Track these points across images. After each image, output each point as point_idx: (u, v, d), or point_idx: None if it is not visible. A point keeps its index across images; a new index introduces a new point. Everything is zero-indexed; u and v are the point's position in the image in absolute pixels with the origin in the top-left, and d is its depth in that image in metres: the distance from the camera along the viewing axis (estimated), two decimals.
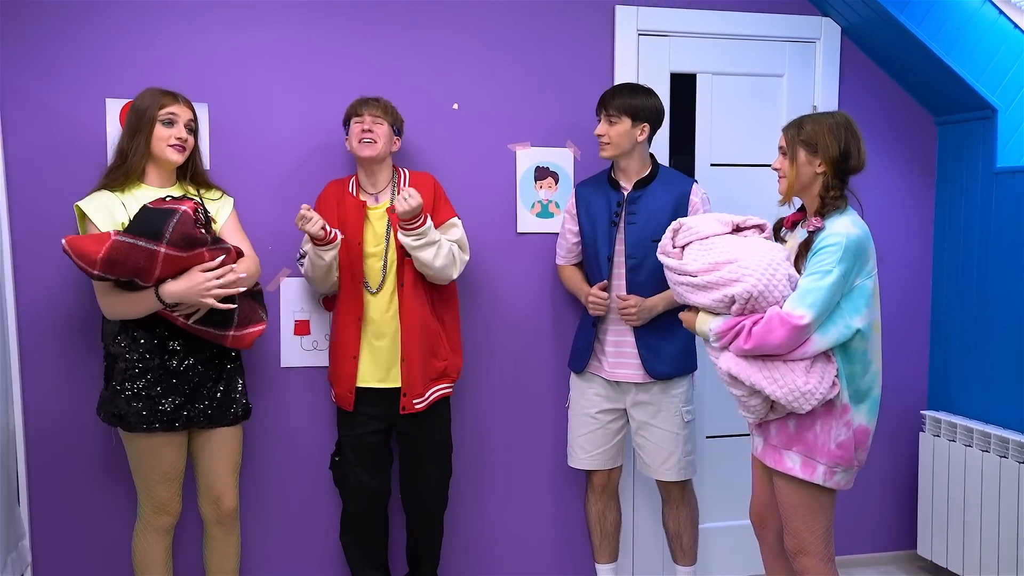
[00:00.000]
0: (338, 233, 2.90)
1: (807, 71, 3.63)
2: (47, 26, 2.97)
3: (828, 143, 2.50)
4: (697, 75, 3.54)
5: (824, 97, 3.62)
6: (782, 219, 2.71)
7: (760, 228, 2.63)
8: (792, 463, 2.52)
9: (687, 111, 3.57)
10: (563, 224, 3.26)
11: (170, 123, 2.68)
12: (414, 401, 2.96)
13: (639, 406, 3.14)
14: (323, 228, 2.83)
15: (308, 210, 2.80)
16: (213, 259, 2.57)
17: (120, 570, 3.13)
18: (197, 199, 2.70)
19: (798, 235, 2.57)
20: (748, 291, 2.40)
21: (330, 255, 2.88)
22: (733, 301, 2.43)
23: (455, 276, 3.00)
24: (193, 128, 2.75)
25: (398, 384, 2.97)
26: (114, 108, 3.01)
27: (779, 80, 3.61)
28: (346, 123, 3.00)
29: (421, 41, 3.28)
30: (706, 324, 2.51)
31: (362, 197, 3.00)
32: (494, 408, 3.44)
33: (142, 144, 2.66)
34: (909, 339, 3.79)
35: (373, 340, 2.96)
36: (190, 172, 2.81)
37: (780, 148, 2.61)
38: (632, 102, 3.02)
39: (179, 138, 2.69)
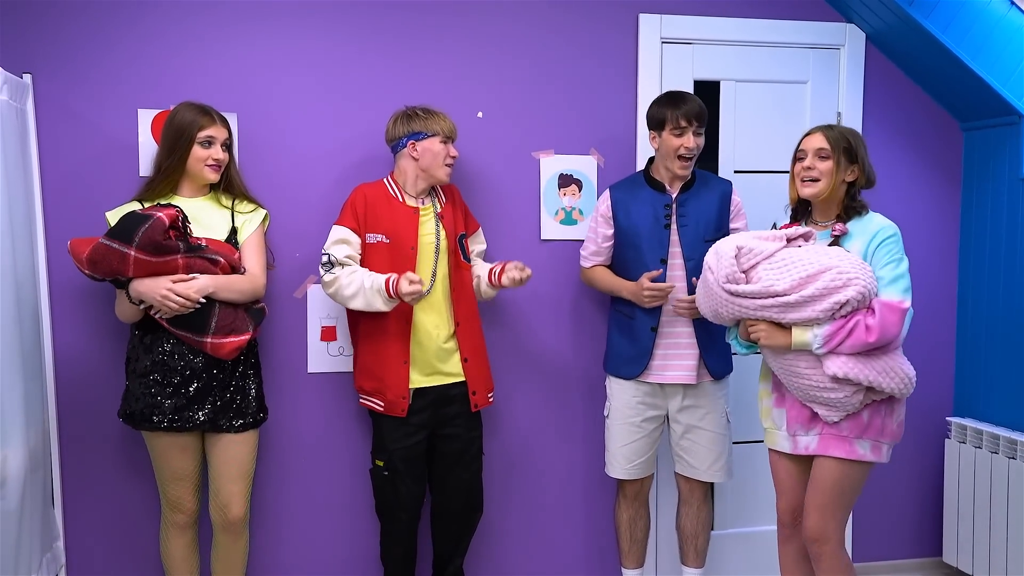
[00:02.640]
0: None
1: (831, 78, 3.62)
2: (78, 35, 3.03)
3: (863, 154, 2.69)
4: (721, 82, 3.55)
5: (849, 104, 3.61)
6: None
7: (806, 237, 2.67)
8: (863, 450, 2.63)
9: (711, 118, 3.53)
10: (594, 227, 3.21)
11: (208, 144, 2.77)
12: (488, 395, 3.09)
13: (686, 410, 3.15)
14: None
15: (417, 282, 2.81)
16: (188, 266, 2.67)
17: (153, 570, 3.18)
18: (179, 208, 2.72)
19: (815, 239, 2.68)
20: (861, 292, 2.49)
21: (393, 305, 2.88)
22: (841, 306, 2.49)
23: None
24: (228, 144, 2.85)
25: (447, 381, 3.01)
26: (146, 118, 3.07)
27: (803, 87, 3.61)
28: (418, 132, 2.97)
29: (445, 49, 3.32)
30: (806, 334, 2.55)
31: (409, 203, 3.03)
32: (520, 414, 3.46)
33: (177, 162, 2.77)
34: (935, 346, 3.77)
35: (423, 341, 2.99)
36: (224, 184, 2.90)
37: (817, 150, 2.66)
38: (706, 115, 3.07)
39: (215, 159, 2.79)
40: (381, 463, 3.03)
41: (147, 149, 3.06)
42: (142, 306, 2.66)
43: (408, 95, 3.20)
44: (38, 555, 2.84)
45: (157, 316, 2.68)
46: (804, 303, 2.51)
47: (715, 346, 3.10)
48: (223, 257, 2.76)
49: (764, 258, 2.61)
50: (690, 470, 3.21)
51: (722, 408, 3.17)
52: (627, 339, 3.17)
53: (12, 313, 2.66)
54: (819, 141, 2.67)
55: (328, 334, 3.26)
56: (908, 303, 2.54)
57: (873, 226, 2.63)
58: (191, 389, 2.74)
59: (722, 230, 3.09)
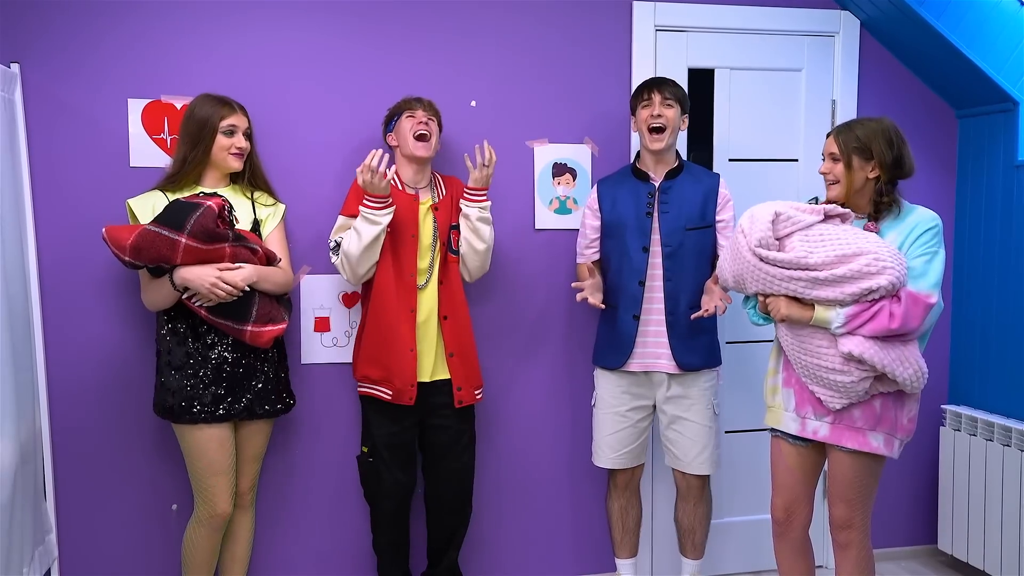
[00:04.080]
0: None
1: (826, 65, 3.61)
2: (67, 24, 3.00)
3: (882, 148, 2.58)
4: (715, 70, 3.53)
5: (843, 92, 3.61)
6: None
7: (843, 217, 2.60)
8: (876, 442, 2.60)
9: (705, 106, 3.56)
10: (583, 221, 3.24)
11: (230, 133, 2.79)
12: (475, 392, 3.07)
13: (672, 401, 3.13)
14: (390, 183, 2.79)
15: (377, 157, 2.74)
16: (235, 255, 2.68)
17: (145, 564, 3.17)
18: (225, 198, 2.76)
19: (852, 222, 2.62)
20: (892, 281, 2.43)
21: (387, 219, 2.83)
22: (870, 293, 2.44)
23: (487, 269, 3.10)
24: (249, 133, 2.87)
25: (439, 377, 3.01)
26: (136, 108, 3.04)
27: (798, 75, 3.60)
28: (391, 120, 3.02)
29: (439, 39, 3.29)
30: (828, 312, 2.49)
31: (408, 191, 3.01)
32: (514, 405, 3.46)
33: (202, 153, 2.79)
34: (930, 333, 3.76)
35: (423, 334, 2.98)
36: (247, 175, 2.92)
37: (830, 154, 2.64)
38: (680, 92, 3.07)
39: (239, 147, 2.81)
40: (366, 449, 3.04)
41: (137, 139, 3.04)
42: (186, 294, 2.66)
43: (400, 85, 3.19)
44: (30, 548, 2.82)
45: (196, 304, 2.67)
46: (834, 282, 2.45)
47: (683, 337, 3.06)
48: (260, 248, 2.80)
49: (800, 228, 2.53)
50: (676, 462, 3.20)
51: (708, 400, 3.14)
52: (611, 329, 3.16)
53: (2, 305, 2.63)
54: (831, 145, 2.64)
55: (321, 325, 3.25)
56: (935, 298, 2.48)
57: (913, 217, 2.58)
58: (228, 378, 2.76)
59: (706, 220, 3.09)
